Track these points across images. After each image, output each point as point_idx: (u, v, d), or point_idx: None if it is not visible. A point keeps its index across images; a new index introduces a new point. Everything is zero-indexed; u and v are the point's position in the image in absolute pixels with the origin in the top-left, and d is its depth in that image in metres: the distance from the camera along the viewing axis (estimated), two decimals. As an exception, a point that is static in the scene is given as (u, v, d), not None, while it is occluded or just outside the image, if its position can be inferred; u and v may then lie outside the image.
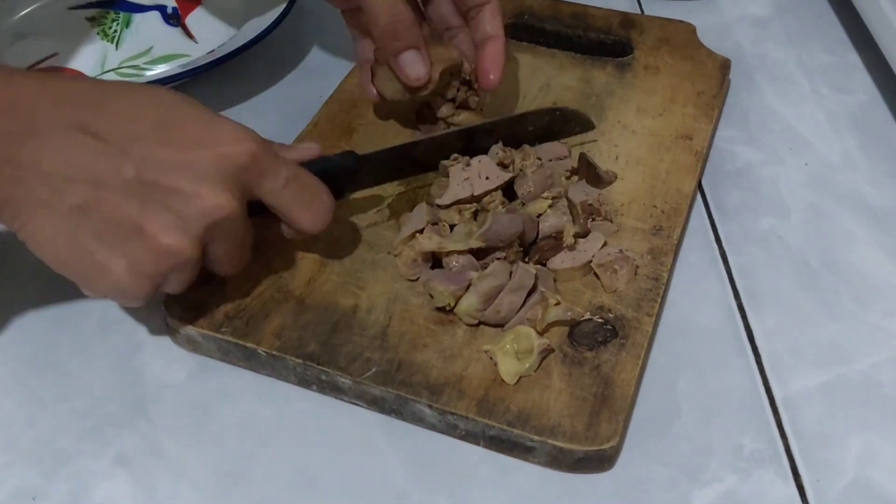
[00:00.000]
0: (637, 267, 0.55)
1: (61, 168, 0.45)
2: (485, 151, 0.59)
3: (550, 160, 0.60)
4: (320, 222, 0.51)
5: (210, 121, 0.48)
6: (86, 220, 0.45)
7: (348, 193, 0.56)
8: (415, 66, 0.59)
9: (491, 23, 0.61)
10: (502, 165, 0.58)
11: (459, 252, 0.53)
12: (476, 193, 0.56)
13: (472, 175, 0.57)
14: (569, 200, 0.57)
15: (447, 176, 0.58)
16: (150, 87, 0.50)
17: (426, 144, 0.59)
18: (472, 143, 0.60)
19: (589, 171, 0.60)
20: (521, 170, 0.58)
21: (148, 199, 0.45)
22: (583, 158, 0.60)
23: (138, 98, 0.48)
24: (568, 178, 0.60)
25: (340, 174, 0.55)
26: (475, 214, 0.56)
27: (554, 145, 0.62)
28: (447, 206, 0.57)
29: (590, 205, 0.57)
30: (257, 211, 0.50)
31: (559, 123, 0.63)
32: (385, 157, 0.58)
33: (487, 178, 0.57)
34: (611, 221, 0.58)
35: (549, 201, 0.56)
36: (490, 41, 0.61)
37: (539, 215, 0.55)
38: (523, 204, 0.57)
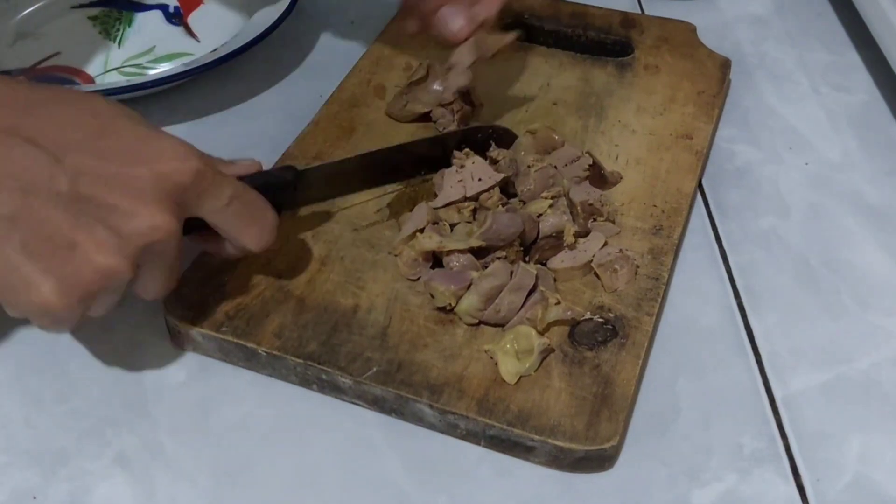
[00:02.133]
0: (637, 266, 0.55)
1: None
2: (434, 165, 0.59)
3: (566, 165, 0.60)
4: (264, 240, 0.50)
5: (149, 135, 0.45)
6: (14, 232, 0.42)
7: (287, 210, 0.54)
8: (454, 20, 0.59)
9: None
10: (493, 161, 0.58)
11: (460, 251, 0.53)
12: (468, 195, 0.56)
13: (465, 177, 0.57)
14: (569, 200, 0.57)
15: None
16: (88, 94, 0.47)
17: (365, 160, 0.58)
18: (420, 158, 0.60)
19: (593, 172, 0.60)
20: (528, 166, 0.58)
21: (82, 213, 0.42)
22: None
23: (74, 105, 0.45)
24: (587, 178, 0.59)
25: (280, 189, 0.53)
26: (474, 213, 0.56)
27: (566, 148, 0.61)
28: (441, 208, 0.57)
29: (590, 205, 0.57)
30: (194, 227, 0.48)
31: (493, 136, 0.62)
32: (325, 172, 0.57)
33: (480, 179, 0.57)
34: (613, 223, 0.57)
35: (549, 201, 0.56)
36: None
37: (539, 215, 0.55)
38: (523, 202, 0.57)
